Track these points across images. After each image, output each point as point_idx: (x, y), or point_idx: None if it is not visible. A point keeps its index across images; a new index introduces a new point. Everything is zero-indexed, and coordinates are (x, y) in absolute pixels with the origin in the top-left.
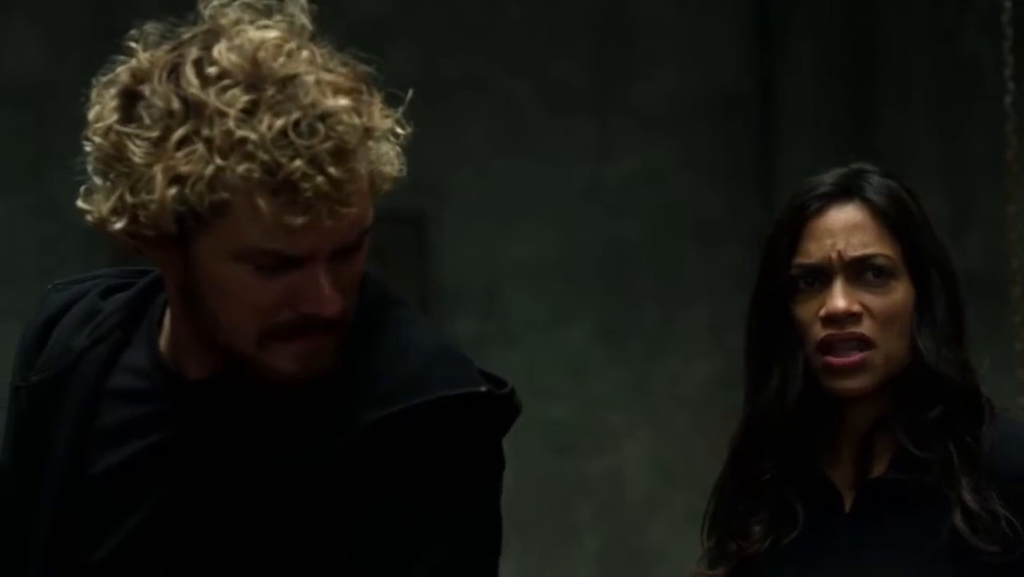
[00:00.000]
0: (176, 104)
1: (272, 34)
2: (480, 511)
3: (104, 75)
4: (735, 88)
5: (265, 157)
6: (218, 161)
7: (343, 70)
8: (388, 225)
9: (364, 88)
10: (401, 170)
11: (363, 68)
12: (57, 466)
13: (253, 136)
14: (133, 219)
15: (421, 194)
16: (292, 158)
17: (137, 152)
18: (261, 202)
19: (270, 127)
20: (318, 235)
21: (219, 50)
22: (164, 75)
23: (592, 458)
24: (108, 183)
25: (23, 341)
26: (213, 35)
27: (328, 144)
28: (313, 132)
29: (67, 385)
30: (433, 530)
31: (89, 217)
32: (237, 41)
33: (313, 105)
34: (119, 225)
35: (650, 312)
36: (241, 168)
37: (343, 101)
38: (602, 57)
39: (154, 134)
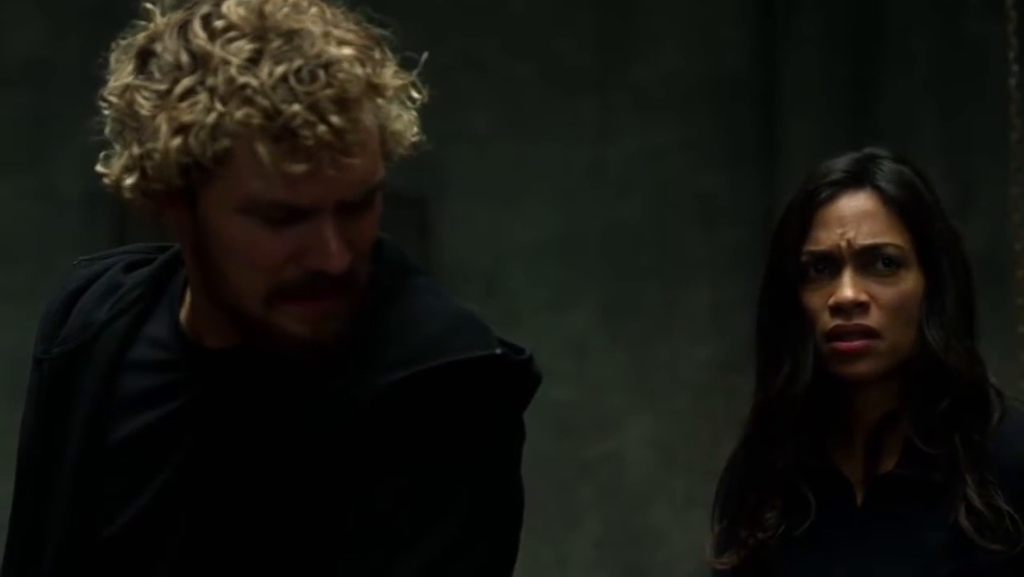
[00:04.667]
0: (184, 57)
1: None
2: (497, 480)
3: (123, 39)
4: (737, 67)
5: (264, 102)
6: (219, 108)
7: (353, 27)
8: (389, 206)
9: (374, 46)
10: (418, 136)
11: (376, 30)
12: (76, 438)
13: (254, 82)
14: (143, 174)
15: (422, 175)
16: (291, 103)
17: (145, 105)
18: (261, 149)
19: (270, 73)
20: (321, 185)
21: (228, 6)
22: (175, 31)
23: (593, 440)
24: (121, 141)
25: (46, 314)
26: None
27: (329, 91)
28: (314, 78)
29: (87, 357)
30: (448, 498)
31: (106, 180)
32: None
33: (317, 55)
34: (129, 181)
35: (652, 293)
36: (240, 113)
37: (347, 51)
38: (604, 36)
39: (162, 87)
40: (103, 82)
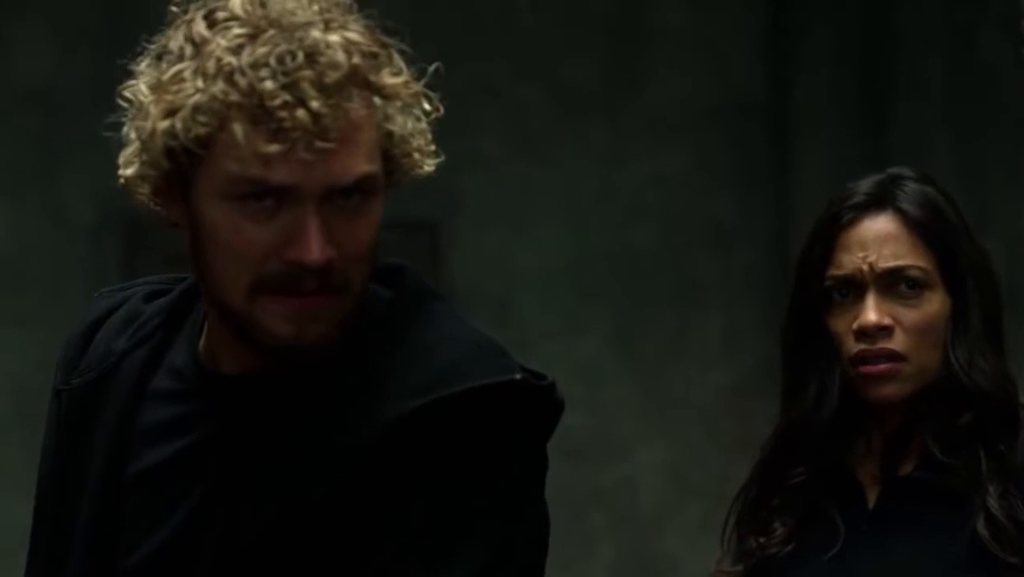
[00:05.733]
0: (185, 46)
1: None
2: (520, 507)
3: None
4: (748, 91)
5: (242, 80)
6: (200, 86)
7: (358, 26)
8: (400, 232)
9: (378, 47)
10: (430, 149)
11: (389, 40)
12: (96, 469)
13: (235, 62)
14: (140, 163)
15: (433, 200)
16: (269, 82)
17: (144, 92)
18: (238, 129)
19: (252, 53)
20: (296, 167)
21: (236, 1)
22: (183, 24)
23: (606, 466)
24: (128, 134)
25: (66, 345)
26: None
27: (309, 73)
28: (295, 60)
29: (108, 387)
30: (471, 526)
31: (121, 180)
32: None
33: (302, 39)
34: (130, 172)
35: (664, 318)
36: (217, 89)
37: (334, 37)
38: (614, 61)
39: (161, 75)
40: (112, 107)
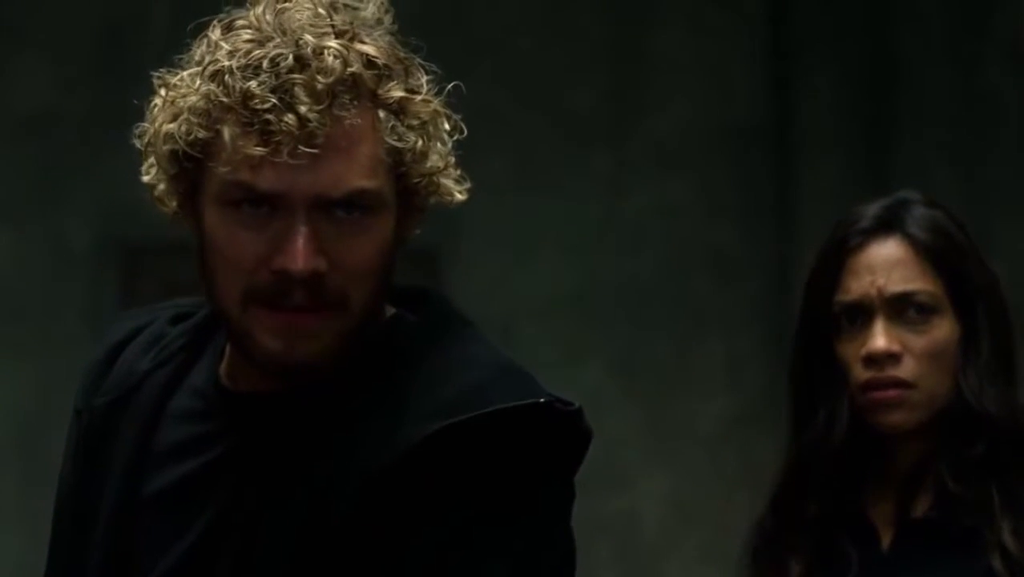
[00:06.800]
0: (198, 53)
1: (319, 7)
2: (543, 539)
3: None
4: (751, 120)
5: (231, 82)
6: (196, 87)
7: (378, 41)
8: (401, 257)
9: (393, 62)
10: (458, 174)
11: (413, 58)
12: (114, 489)
13: (228, 64)
14: (151, 168)
15: (435, 228)
16: (257, 84)
17: (157, 101)
18: (227, 132)
19: (247, 55)
20: (283, 173)
21: (256, 9)
22: (204, 37)
23: (608, 497)
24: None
25: (88, 367)
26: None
27: (299, 78)
28: (287, 63)
29: (128, 408)
30: (488, 555)
31: (148, 192)
32: (280, 6)
33: (299, 44)
34: (145, 178)
35: (666, 347)
36: (208, 90)
37: (333, 43)
38: (617, 89)
39: (172, 79)
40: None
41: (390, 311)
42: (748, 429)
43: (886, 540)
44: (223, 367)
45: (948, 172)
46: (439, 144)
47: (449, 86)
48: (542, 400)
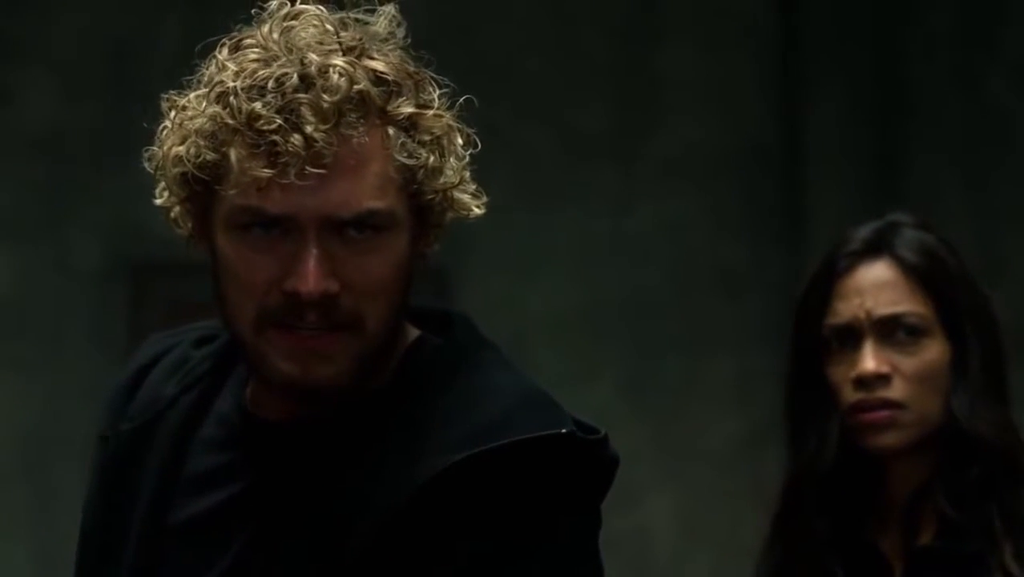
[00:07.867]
0: (207, 73)
1: (327, 24)
2: (569, 568)
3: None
4: (759, 137)
5: (236, 103)
6: (203, 109)
7: (388, 57)
8: None
9: (404, 77)
10: (474, 188)
11: (425, 72)
12: (139, 517)
13: (233, 85)
14: (162, 191)
15: (443, 245)
16: (263, 105)
17: (167, 122)
18: (234, 154)
19: (252, 75)
20: (291, 195)
21: (265, 28)
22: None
23: (617, 515)
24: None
25: (113, 391)
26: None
27: (305, 96)
28: (291, 82)
29: (154, 434)
30: None
31: (162, 214)
32: (287, 24)
33: (305, 62)
34: (159, 201)
35: (675, 365)
36: (213, 112)
37: (339, 61)
38: (624, 106)
39: (181, 101)
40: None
41: (413, 333)
42: (758, 447)
43: (898, 572)
44: (248, 393)
45: (958, 192)
46: (453, 159)
47: (461, 100)
48: (564, 430)
